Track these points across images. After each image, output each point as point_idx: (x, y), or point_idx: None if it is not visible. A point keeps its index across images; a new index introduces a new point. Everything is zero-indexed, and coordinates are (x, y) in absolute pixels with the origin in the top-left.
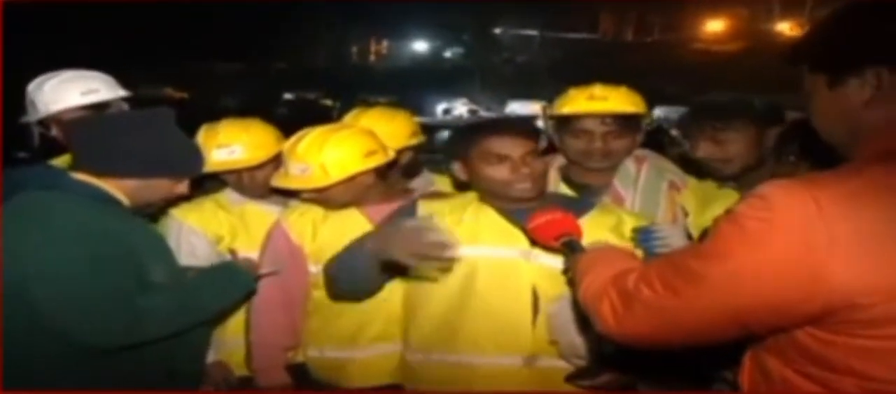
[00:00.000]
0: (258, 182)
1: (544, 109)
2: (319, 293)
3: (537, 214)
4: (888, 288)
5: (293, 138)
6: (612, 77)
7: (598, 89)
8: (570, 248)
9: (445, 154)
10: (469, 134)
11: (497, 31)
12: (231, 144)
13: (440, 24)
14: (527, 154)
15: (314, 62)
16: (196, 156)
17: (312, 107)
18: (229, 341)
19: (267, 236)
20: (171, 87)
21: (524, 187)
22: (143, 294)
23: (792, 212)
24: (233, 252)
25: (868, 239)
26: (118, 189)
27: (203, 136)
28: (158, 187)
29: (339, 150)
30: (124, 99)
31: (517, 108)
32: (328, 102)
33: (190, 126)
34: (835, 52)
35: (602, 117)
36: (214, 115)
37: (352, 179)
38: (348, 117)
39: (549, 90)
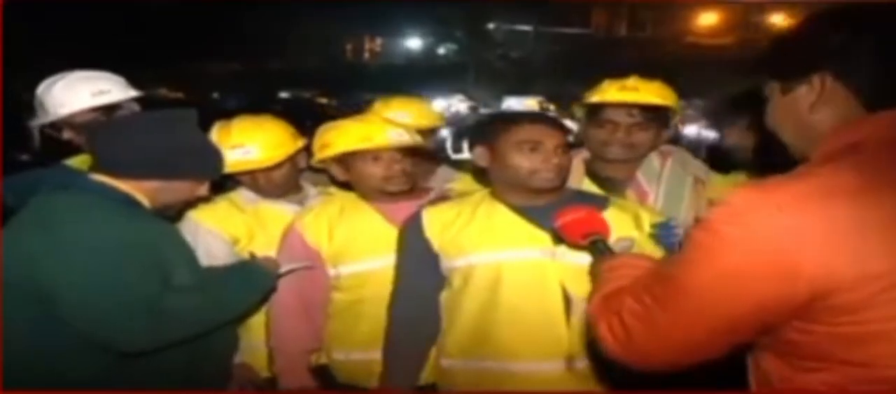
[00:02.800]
0: (275, 182)
1: (574, 102)
2: (339, 295)
3: (566, 211)
4: (853, 277)
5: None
6: (605, 72)
7: (631, 81)
8: (596, 249)
9: (469, 138)
10: (499, 120)
11: (491, 26)
12: (245, 143)
13: (434, 20)
14: (558, 146)
15: (309, 61)
16: (217, 157)
17: (308, 105)
18: (254, 343)
19: (282, 239)
20: (165, 87)
21: (550, 177)
22: (167, 296)
23: (757, 216)
24: (252, 254)
25: (830, 233)
26: (139, 191)
27: (216, 135)
28: (179, 189)
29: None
30: (135, 99)
31: (513, 103)
32: (324, 101)
33: None
34: (785, 59)
35: (629, 108)
36: (210, 114)
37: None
38: (377, 105)
39: (544, 85)
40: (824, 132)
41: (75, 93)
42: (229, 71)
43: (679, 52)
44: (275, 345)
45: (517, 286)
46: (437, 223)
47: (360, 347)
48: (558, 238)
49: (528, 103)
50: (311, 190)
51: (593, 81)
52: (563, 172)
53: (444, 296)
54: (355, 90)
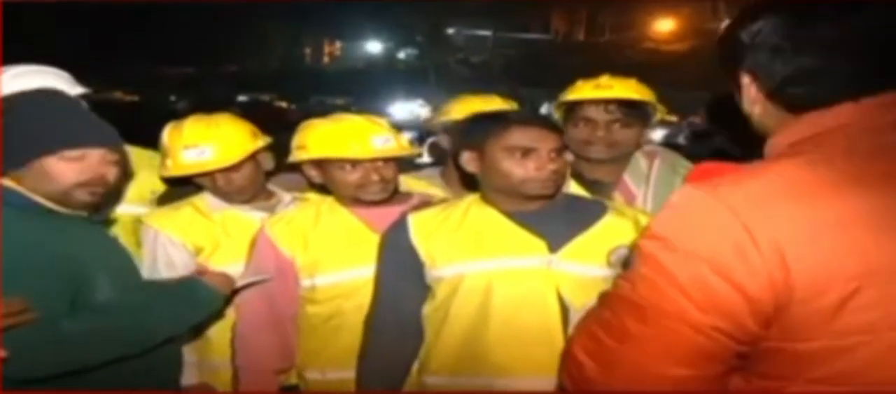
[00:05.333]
0: (236, 185)
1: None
2: (314, 309)
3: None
4: (819, 285)
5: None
6: (564, 76)
7: (604, 79)
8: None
9: (456, 142)
10: (489, 122)
11: (450, 31)
12: (199, 143)
13: (393, 24)
14: (553, 150)
15: (267, 64)
16: (83, 120)
17: (267, 109)
18: (215, 362)
19: (251, 248)
20: (120, 90)
21: (545, 186)
22: (76, 315)
23: (709, 218)
24: (202, 268)
25: (789, 235)
26: (31, 192)
27: (168, 136)
28: (54, 173)
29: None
30: (83, 97)
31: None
32: (283, 104)
33: (143, 129)
34: (719, 58)
35: (606, 105)
36: (167, 117)
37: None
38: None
39: (504, 90)
40: (769, 126)
41: (17, 88)
42: (184, 74)
43: (637, 57)
44: (241, 364)
45: (511, 297)
46: (424, 230)
47: (338, 364)
48: (555, 244)
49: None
50: (284, 196)
51: (552, 85)
52: (560, 178)
53: (427, 308)
54: (314, 94)
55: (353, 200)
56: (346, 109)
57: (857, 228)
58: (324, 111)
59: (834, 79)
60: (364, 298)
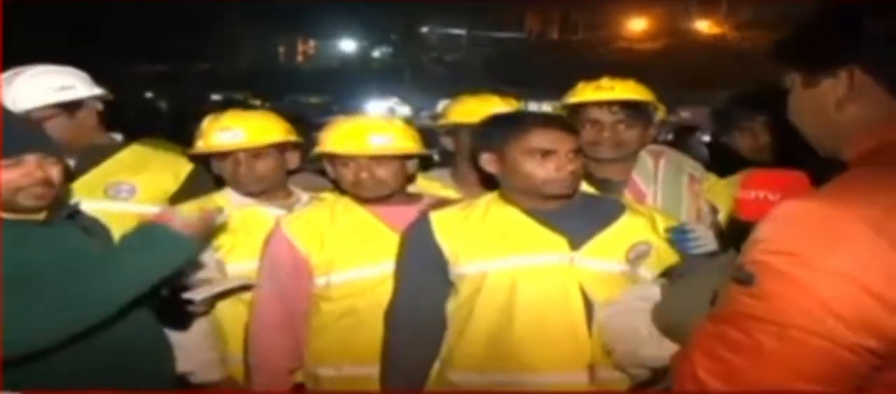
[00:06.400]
0: (257, 173)
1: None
2: (328, 306)
3: (754, 178)
4: None
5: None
6: (539, 75)
7: (605, 81)
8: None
9: (476, 144)
10: (509, 125)
11: (425, 30)
12: (234, 127)
13: (367, 23)
14: (571, 151)
15: (241, 63)
16: (14, 127)
17: (241, 107)
18: (237, 357)
19: (266, 245)
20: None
21: (565, 186)
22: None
23: (848, 234)
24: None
25: None
26: None
27: (206, 124)
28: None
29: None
30: (98, 98)
31: (532, 106)
32: (256, 103)
33: (117, 127)
34: (809, 50)
35: (610, 106)
36: (141, 116)
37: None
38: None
39: (488, 88)
40: (852, 131)
41: (37, 87)
42: (159, 72)
43: (611, 56)
44: (255, 362)
45: (535, 294)
46: (448, 227)
47: (354, 361)
48: (576, 241)
49: (543, 107)
50: (303, 196)
51: (527, 84)
52: (578, 179)
53: (451, 305)
54: (288, 93)
55: (362, 198)
56: (320, 108)
57: None
58: (297, 110)
59: None
60: (379, 295)
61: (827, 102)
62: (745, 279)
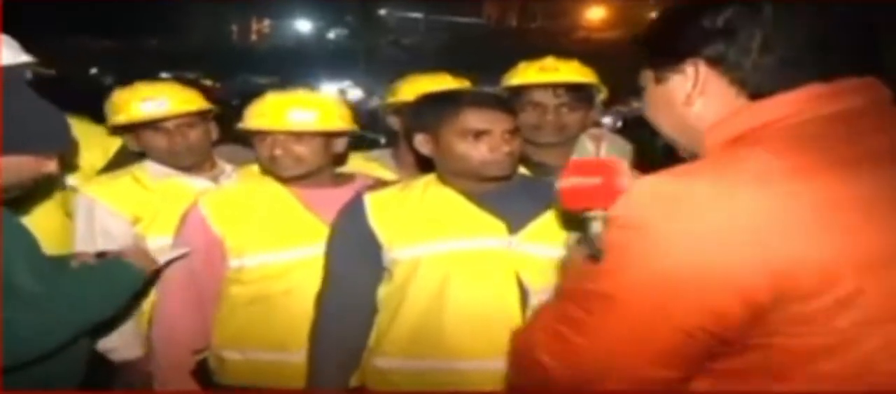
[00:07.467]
0: (190, 142)
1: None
2: (239, 290)
3: (574, 169)
4: (817, 274)
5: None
6: (497, 61)
7: (548, 61)
8: (587, 235)
9: (409, 124)
10: (441, 104)
11: (382, 12)
12: (157, 96)
13: (323, 3)
14: (507, 131)
15: (192, 41)
16: (63, 126)
17: (192, 86)
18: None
19: (182, 221)
20: (36, 61)
21: (501, 169)
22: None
23: (691, 210)
24: (119, 252)
25: (780, 226)
26: None
27: (120, 95)
28: (21, 167)
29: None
30: (27, 65)
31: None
32: (208, 83)
33: (64, 103)
34: (657, 46)
35: (554, 89)
36: (87, 91)
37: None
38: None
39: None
40: (700, 125)
41: None
42: (105, 47)
43: (569, 45)
44: (160, 340)
45: (469, 278)
46: (382, 210)
47: (260, 346)
48: (515, 225)
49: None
50: (226, 167)
51: (484, 70)
52: (515, 159)
53: (383, 290)
54: (241, 72)
55: (282, 177)
56: (274, 88)
57: (846, 216)
58: (250, 90)
59: (811, 61)
60: (292, 281)
61: (676, 98)
62: (594, 254)
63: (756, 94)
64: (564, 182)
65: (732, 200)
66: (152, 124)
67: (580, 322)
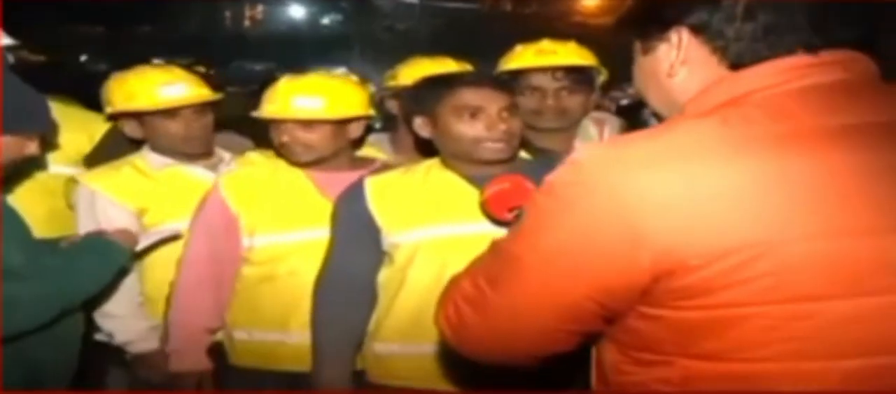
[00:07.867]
0: (201, 129)
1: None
2: (249, 270)
3: (492, 183)
4: (704, 252)
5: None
6: (492, 47)
7: (546, 44)
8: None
9: (408, 107)
10: (438, 85)
11: None
12: (176, 82)
13: None
14: (503, 109)
15: (185, 27)
16: (44, 108)
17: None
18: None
19: (201, 203)
20: (27, 48)
21: (497, 147)
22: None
23: (599, 172)
24: (102, 230)
25: (680, 199)
26: None
27: (132, 81)
28: (1, 149)
29: (345, 86)
30: (9, 49)
31: None
32: (200, 69)
33: (55, 89)
34: (642, 16)
35: (552, 72)
36: (78, 78)
37: (347, 123)
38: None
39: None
40: (683, 95)
41: None
42: (97, 34)
43: (565, 30)
44: (177, 319)
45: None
46: (382, 194)
47: (265, 326)
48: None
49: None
50: (225, 155)
51: (480, 55)
52: (513, 139)
53: (383, 275)
54: (235, 58)
55: (295, 162)
56: (267, 74)
57: (759, 192)
58: (244, 76)
59: (795, 31)
60: (297, 262)
61: (661, 68)
62: (518, 216)
63: (737, 63)
64: (489, 191)
65: (635, 176)
66: (168, 111)
67: (495, 277)
